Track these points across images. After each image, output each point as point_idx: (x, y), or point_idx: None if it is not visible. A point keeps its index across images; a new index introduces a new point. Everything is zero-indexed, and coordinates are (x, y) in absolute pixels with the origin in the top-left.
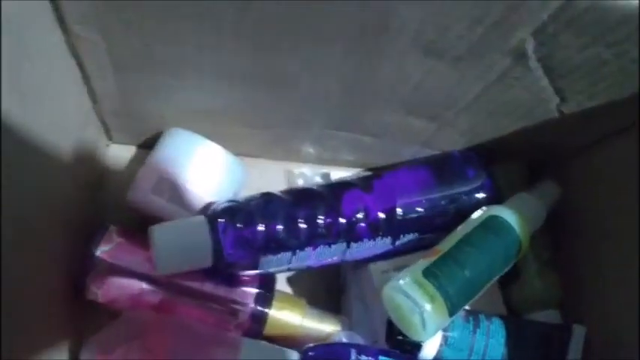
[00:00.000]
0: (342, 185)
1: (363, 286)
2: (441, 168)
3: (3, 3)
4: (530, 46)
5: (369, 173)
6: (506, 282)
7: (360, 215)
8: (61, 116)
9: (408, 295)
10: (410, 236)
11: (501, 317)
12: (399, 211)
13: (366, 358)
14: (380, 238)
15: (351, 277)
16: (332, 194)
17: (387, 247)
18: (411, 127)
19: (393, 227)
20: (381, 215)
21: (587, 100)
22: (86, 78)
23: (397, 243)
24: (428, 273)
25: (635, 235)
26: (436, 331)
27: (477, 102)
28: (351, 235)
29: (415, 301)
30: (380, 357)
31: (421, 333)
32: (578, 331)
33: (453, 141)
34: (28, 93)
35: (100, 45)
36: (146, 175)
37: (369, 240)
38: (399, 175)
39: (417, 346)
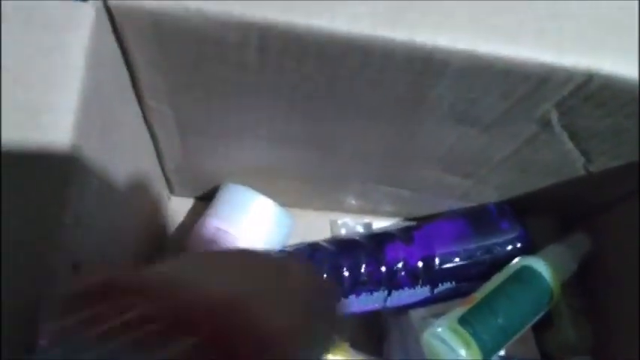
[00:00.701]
0: (384, 236)
1: (403, 332)
2: (477, 220)
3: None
4: (554, 117)
5: (408, 224)
6: (540, 329)
7: (400, 265)
8: (134, 173)
9: (445, 342)
10: (448, 284)
11: None
12: (437, 260)
13: None
14: (419, 286)
15: (392, 323)
16: (374, 244)
17: (425, 294)
18: (447, 183)
19: (431, 276)
20: (420, 264)
21: (611, 161)
22: (155, 141)
23: (435, 291)
24: (463, 321)
25: None
26: None
27: (507, 162)
28: (391, 283)
29: (452, 347)
30: None
31: None
32: None
33: (487, 195)
34: (112, 152)
35: (169, 115)
36: (204, 226)
37: (409, 288)
38: (437, 226)
39: None
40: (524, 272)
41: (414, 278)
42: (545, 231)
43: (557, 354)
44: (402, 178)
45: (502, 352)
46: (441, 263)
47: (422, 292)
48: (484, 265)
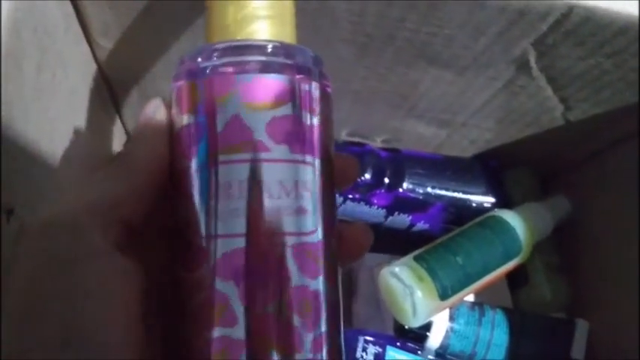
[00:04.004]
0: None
1: (375, 287)
2: (457, 163)
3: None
4: (532, 57)
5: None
6: (516, 286)
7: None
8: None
9: (398, 277)
10: (404, 216)
11: (506, 309)
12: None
13: (373, 346)
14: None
15: (362, 278)
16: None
17: (379, 218)
18: (421, 134)
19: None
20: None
21: (592, 108)
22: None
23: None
24: (419, 257)
25: (636, 239)
26: (428, 315)
27: (484, 110)
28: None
29: (404, 282)
30: (387, 346)
31: (411, 315)
32: (582, 325)
33: (463, 148)
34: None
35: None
36: None
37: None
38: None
39: (423, 336)
40: (491, 220)
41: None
42: (523, 185)
43: (531, 310)
44: (371, 128)
45: (472, 298)
46: (409, 177)
47: (376, 213)
48: (453, 215)
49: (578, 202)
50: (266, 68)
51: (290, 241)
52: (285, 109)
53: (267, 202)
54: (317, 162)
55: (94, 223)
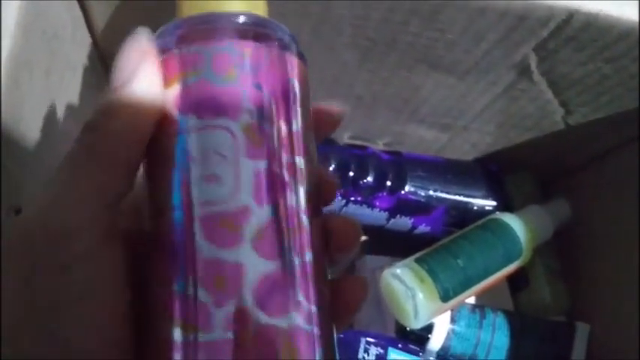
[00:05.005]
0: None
1: (377, 289)
2: (459, 166)
3: None
4: (533, 62)
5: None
6: (516, 289)
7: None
8: None
9: (400, 279)
10: (406, 219)
11: (507, 312)
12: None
13: (375, 347)
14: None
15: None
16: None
17: (381, 221)
18: (422, 138)
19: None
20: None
21: (592, 113)
22: None
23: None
24: (420, 260)
25: (636, 242)
26: (429, 317)
27: (485, 113)
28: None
29: (406, 284)
30: (389, 347)
31: (412, 316)
32: (582, 329)
33: (464, 152)
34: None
35: None
36: None
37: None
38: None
39: (424, 338)
40: (492, 223)
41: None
42: (524, 189)
43: (532, 313)
44: (374, 131)
45: (473, 301)
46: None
47: (379, 216)
48: (454, 218)
49: (578, 206)
50: (237, 36)
51: (203, 210)
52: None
53: (193, 171)
54: (237, 130)
55: (80, 217)
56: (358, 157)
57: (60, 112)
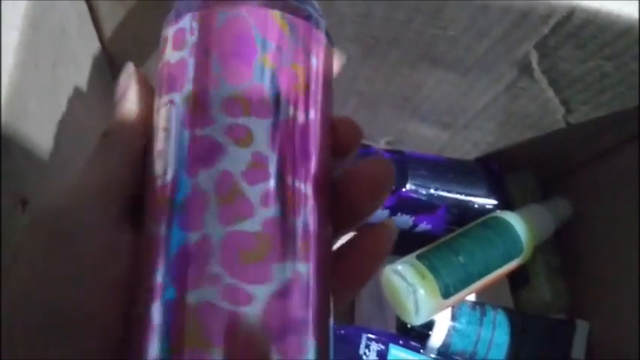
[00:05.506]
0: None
1: (379, 285)
2: (460, 165)
3: None
4: (534, 59)
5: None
6: (516, 286)
7: None
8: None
9: (401, 275)
10: (407, 217)
11: (507, 309)
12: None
13: (376, 344)
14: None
15: None
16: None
17: (383, 219)
18: (424, 136)
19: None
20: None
21: (593, 111)
22: None
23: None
24: (421, 256)
25: (637, 240)
26: (430, 313)
27: (486, 111)
28: None
29: (407, 280)
30: (390, 344)
31: (413, 313)
32: (582, 326)
33: (465, 151)
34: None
35: None
36: None
37: None
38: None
39: (425, 335)
40: (493, 220)
41: None
42: (525, 187)
43: (532, 311)
44: (375, 129)
45: (473, 298)
46: (412, 178)
47: (380, 213)
48: (455, 216)
49: (579, 204)
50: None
51: (150, 186)
52: None
53: (156, 146)
54: (179, 101)
55: (95, 201)
56: (361, 155)
57: (64, 105)
